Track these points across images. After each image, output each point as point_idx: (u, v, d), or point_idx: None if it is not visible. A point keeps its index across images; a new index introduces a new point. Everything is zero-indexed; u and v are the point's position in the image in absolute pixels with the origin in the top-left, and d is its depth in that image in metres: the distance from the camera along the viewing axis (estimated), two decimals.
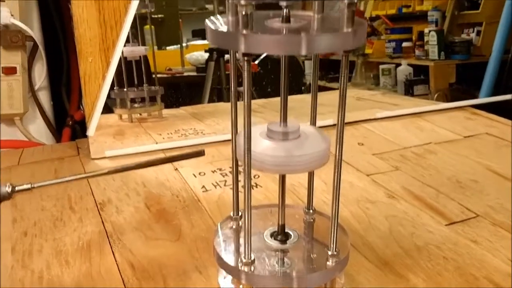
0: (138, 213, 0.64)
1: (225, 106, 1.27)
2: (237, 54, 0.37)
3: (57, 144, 1.05)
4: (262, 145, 0.40)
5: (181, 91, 1.51)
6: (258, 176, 0.73)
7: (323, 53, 0.33)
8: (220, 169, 0.77)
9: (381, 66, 2.35)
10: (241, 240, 0.46)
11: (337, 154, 0.39)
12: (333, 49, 0.32)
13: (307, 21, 0.35)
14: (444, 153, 0.82)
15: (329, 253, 0.42)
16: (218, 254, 0.44)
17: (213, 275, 0.51)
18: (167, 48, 1.63)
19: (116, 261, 0.54)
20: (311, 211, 0.49)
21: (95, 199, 0.68)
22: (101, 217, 0.63)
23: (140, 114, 1.10)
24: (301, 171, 0.41)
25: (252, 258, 0.41)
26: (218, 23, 0.36)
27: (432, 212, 0.63)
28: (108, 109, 1.06)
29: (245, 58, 0.33)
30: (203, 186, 0.72)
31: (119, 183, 0.73)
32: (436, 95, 2.11)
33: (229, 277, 0.47)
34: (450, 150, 0.84)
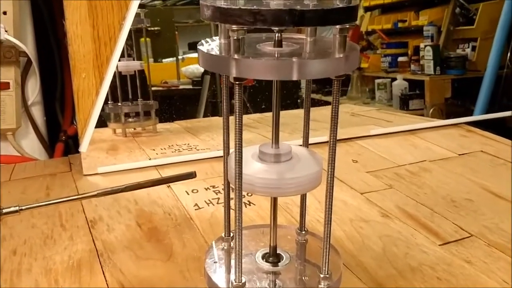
0: (129, 232, 0.64)
1: (220, 120, 1.25)
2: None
3: (49, 159, 1.05)
4: (253, 168, 0.40)
5: (177, 105, 1.51)
6: (251, 194, 0.73)
7: (315, 78, 0.32)
8: (213, 186, 0.77)
9: (376, 81, 2.36)
10: (232, 262, 0.46)
11: (328, 175, 0.39)
12: (325, 75, 0.32)
13: (300, 44, 0.35)
14: (439, 171, 0.82)
15: (321, 275, 0.41)
16: (209, 276, 0.43)
17: None
18: (163, 61, 1.62)
19: (106, 281, 0.53)
20: (303, 232, 0.49)
21: (86, 217, 0.68)
22: (92, 235, 0.63)
23: (134, 129, 1.09)
24: (292, 194, 0.40)
25: (243, 281, 0.41)
26: (211, 45, 0.36)
27: (426, 231, 0.63)
28: (102, 122, 1.05)
29: (237, 83, 0.33)
30: (196, 204, 0.71)
31: (111, 200, 0.72)
32: (431, 110, 2.11)
33: None
34: (444, 168, 0.84)
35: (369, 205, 0.70)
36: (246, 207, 0.69)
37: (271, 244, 0.45)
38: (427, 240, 0.61)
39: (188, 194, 0.74)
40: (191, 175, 0.51)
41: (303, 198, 0.48)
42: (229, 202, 0.46)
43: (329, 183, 0.39)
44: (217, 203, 0.71)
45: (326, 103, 1.54)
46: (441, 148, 0.92)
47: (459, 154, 0.90)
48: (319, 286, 0.41)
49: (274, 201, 0.43)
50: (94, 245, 0.60)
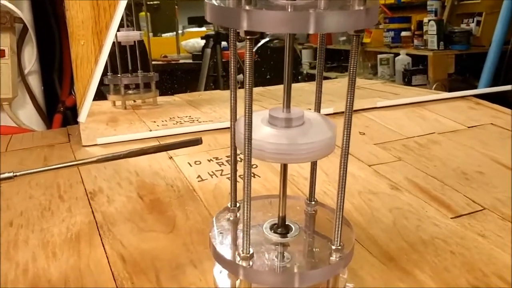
0: (131, 203, 0.61)
1: (222, 94, 1.23)
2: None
3: (47, 130, 1.02)
4: (263, 132, 0.37)
5: (177, 79, 1.48)
6: (256, 166, 0.70)
7: (333, 32, 0.30)
8: (217, 158, 0.75)
9: (379, 56, 2.32)
10: (239, 233, 0.44)
11: (343, 144, 0.36)
12: (343, 28, 0.30)
13: None
14: (448, 144, 0.80)
15: (333, 247, 0.39)
16: (214, 247, 0.41)
17: (208, 269, 0.48)
18: (163, 35, 1.60)
19: (106, 253, 0.51)
20: (313, 202, 0.46)
21: (85, 188, 0.66)
22: (91, 207, 0.61)
23: (134, 101, 1.07)
24: (304, 160, 0.38)
25: (251, 252, 0.38)
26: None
27: (438, 204, 0.61)
28: (101, 95, 1.03)
29: (248, 37, 0.30)
30: (199, 176, 0.69)
31: (111, 172, 0.70)
32: (434, 85, 2.08)
33: (225, 272, 0.44)
34: (454, 140, 0.81)
35: (378, 177, 0.68)
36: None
37: (280, 215, 0.42)
38: (439, 213, 0.59)
39: (191, 165, 0.72)
40: (197, 142, 0.49)
41: (314, 167, 0.45)
42: (235, 171, 0.43)
43: (344, 150, 0.36)
44: (221, 175, 0.69)
45: (326, 78, 1.51)
46: (450, 120, 0.89)
47: (468, 127, 0.87)
48: (331, 258, 0.39)
49: (284, 169, 0.41)
50: (94, 217, 0.58)
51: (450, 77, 2.19)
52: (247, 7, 0.29)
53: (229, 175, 0.69)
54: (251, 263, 0.38)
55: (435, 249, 0.52)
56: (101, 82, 1.01)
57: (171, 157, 0.74)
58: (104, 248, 0.52)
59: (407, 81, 2.15)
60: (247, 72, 0.33)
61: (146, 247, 0.52)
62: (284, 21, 0.29)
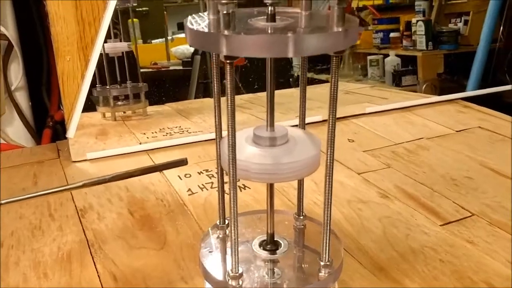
0: (121, 220, 0.61)
1: (212, 102, 1.23)
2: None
3: (36, 146, 1.02)
4: (247, 152, 0.37)
5: (167, 86, 1.48)
6: None
7: (312, 55, 0.30)
8: (207, 170, 0.75)
9: (369, 57, 2.33)
10: (229, 251, 0.44)
11: (328, 157, 0.36)
12: (323, 51, 0.30)
13: (294, 19, 0.33)
14: (437, 149, 0.80)
15: (321, 263, 0.39)
16: (204, 267, 0.41)
17: (199, 285, 0.48)
18: (153, 41, 1.59)
19: (97, 272, 0.51)
20: (301, 217, 0.47)
21: (75, 205, 0.65)
22: (82, 225, 0.60)
23: (124, 112, 1.07)
24: (290, 179, 0.38)
25: (240, 272, 0.39)
26: (201, 23, 0.33)
27: (427, 212, 0.61)
28: (91, 106, 1.03)
29: (228, 62, 0.31)
30: (189, 189, 0.69)
31: (101, 188, 0.70)
32: (424, 86, 2.10)
33: None
34: (442, 145, 0.82)
35: (367, 185, 0.68)
36: (241, 191, 0.67)
37: (268, 231, 0.43)
38: (428, 220, 0.59)
39: (181, 179, 0.72)
40: (182, 162, 0.49)
41: (301, 182, 0.46)
42: (223, 188, 0.43)
43: (328, 166, 0.37)
44: (211, 187, 0.69)
45: (320, 81, 1.52)
46: (438, 125, 0.90)
47: (457, 131, 0.88)
48: (320, 274, 0.40)
49: (271, 187, 0.41)
50: (85, 235, 0.58)
51: (439, 77, 2.20)
52: (226, 32, 0.30)
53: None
54: (240, 282, 0.39)
55: (424, 258, 0.52)
56: (90, 94, 1.01)
57: (161, 171, 0.74)
58: (95, 267, 0.52)
59: (397, 82, 2.16)
60: (229, 96, 0.33)
61: (137, 264, 0.52)
62: (263, 45, 0.29)
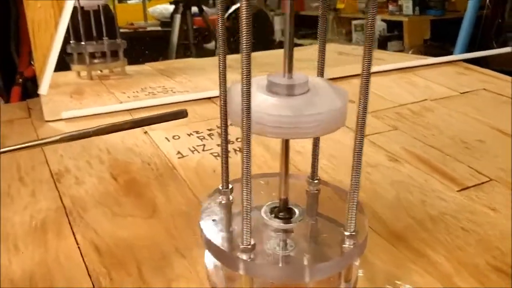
0: (103, 185, 0.55)
1: (195, 62, 1.16)
2: None
3: (5, 105, 0.93)
4: (262, 102, 0.31)
5: (145, 48, 1.40)
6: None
7: None
8: (197, 132, 0.68)
9: (353, 22, 2.27)
10: (234, 219, 0.38)
11: (360, 109, 0.31)
12: None
13: None
14: (443, 111, 0.75)
15: (346, 233, 0.34)
16: (208, 238, 0.35)
17: (198, 258, 0.42)
18: (128, 1, 1.51)
19: (77, 244, 0.45)
20: (315, 181, 0.41)
21: (50, 169, 0.58)
22: (58, 190, 0.53)
23: (101, 71, 0.99)
24: (311, 135, 0.32)
25: (252, 243, 0.33)
26: None
27: (441, 176, 0.56)
28: (64, 65, 0.95)
29: None
30: (179, 152, 0.62)
31: (79, 149, 0.62)
32: (410, 52, 2.05)
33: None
34: (448, 107, 0.77)
35: (374, 148, 0.63)
36: (236, 153, 0.61)
37: (282, 197, 0.36)
38: (443, 185, 0.54)
39: (169, 140, 0.65)
40: (182, 114, 0.42)
41: (317, 141, 0.40)
42: (226, 147, 0.37)
43: (360, 119, 0.31)
44: (203, 150, 0.63)
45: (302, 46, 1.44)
46: (441, 87, 0.84)
47: (461, 93, 0.82)
48: (344, 245, 0.34)
49: (286, 145, 0.35)
50: (62, 202, 0.51)
51: (425, 43, 2.16)
52: None
53: (212, 150, 0.62)
54: (252, 255, 0.33)
55: (445, 226, 0.47)
56: (63, 51, 0.93)
57: (146, 132, 0.67)
58: (75, 238, 0.45)
59: (382, 47, 2.11)
60: (244, 25, 0.26)
61: (124, 235, 0.46)
62: None
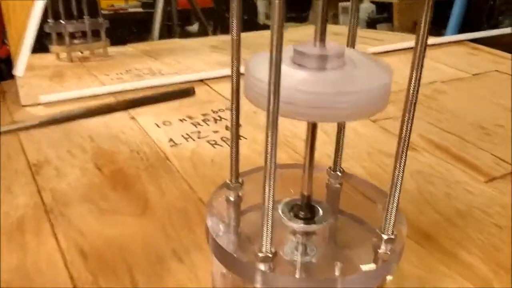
0: (87, 177, 0.48)
1: (182, 42, 1.09)
2: None
3: None
4: (290, 76, 0.25)
5: (127, 30, 1.32)
6: (240, 126, 0.58)
7: None
8: (190, 117, 0.62)
9: (341, 4, 2.20)
10: (245, 220, 0.32)
11: (412, 87, 0.25)
12: None
13: None
14: (456, 94, 0.70)
15: (384, 236, 0.28)
16: (216, 243, 0.29)
17: (199, 262, 0.37)
18: None
19: (59, 246, 0.39)
20: (338, 173, 0.35)
21: (27, 159, 0.52)
22: (36, 184, 0.47)
23: (82, 52, 0.91)
24: (349, 117, 0.26)
25: (273, 251, 0.27)
26: None
27: (463, 165, 0.51)
28: (43, 47, 0.88)
29: None
30: (171, 139, 0.56)
31: (59, 137, 0.56)
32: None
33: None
34: (461, 90, 0.71)
35: (386, 134, 0.57)
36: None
37: (304, 193, 0.31)
38: (468, 176, 0.49)
39: (159, 127, 0.59)
40: (189, 93, 0.36)
41: (341, 126, 0.34)
42: (237, 135, 0.31)
43: (409, 104, 0.25)
44: (198, 137, 0.57)
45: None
46: (451, 68, 0.79)
47: (473, 74, 0.77)
48: (379, 250, 0.28)
49: (313, 130, 0.29)
50: (41, 197, 0.45)
51: (416, 26, 2.10)
52: None
53: (208, 138, 0.56)
54: (272, 265, 0.27)
55: (476, 223, 0.42)
56: (41, 30, 0.86)
57: (133, 117, 0.61)
58: (56, 240, 0.39)
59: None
60: None
61: (113, 235, 0.40)
62: None
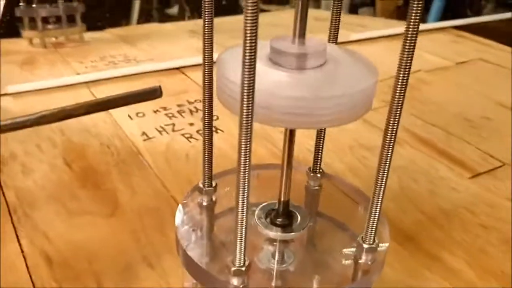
0: (55, 174, 0.46)
1: (160, 27, 1.06)
2: None
3: None
4: (266, 77, 0.23)
5: (104, 14, 1.28)
6: (217, 118, 0.56)
7: None
8: (165, 108, 0.59)
9: None
10: (218, 226, 0.30)
11: (399, 82, 0.23)
12: None
13: None
14: (440, 84, 0.68)
15: (365, 245, 0.26)
16: (186, 255, 0.27)
17: (170, 268, 0.35)
18: None
19: (22, 252, 0.36)
20: (318, 174, 0.33)
21: None
22: None
23: (56, 38, 0.88)
24: (330, 123, 0.24)
25: (247, 263, 0.25)
26: None
27: (448, 160, 0.49)
28: (14, 31, 0.84)
29: None
30: (144, 133, 0.53)
31: (27, 130, 0.53)
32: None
33: None
34: (445, 79, 0.70)
35: (368, 127, 0.55)
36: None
37: (282, 199, 0.29)
38: (452, 171, 0.47)
39: (132, 118, 0.56)
40: (155, 93, 0.33)
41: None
42: (211, 133, 0.29)
43: (396, 100, 0.23)
44: (173, 130, 0.54)
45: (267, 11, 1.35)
46: (435, 56, 0.77)
47: (457, 63, 0.75)
48: (360, 261, 0.27)
49: (290, 135, 0.27)
50: (4, 196, 0.42)
51: (399, 10, 2.08)
52: None
53: (184, 131, 0.54)
54: (246, 279, 0.25)
55: (461, 223, 0.40)
56: (11, 14, 0.82)
57: (123, 106, 0.58)
58: (19, 244, 0.37)
59: (352, 14, 2.03)
60: None
61: (80, 238, 0.38)
62: None
